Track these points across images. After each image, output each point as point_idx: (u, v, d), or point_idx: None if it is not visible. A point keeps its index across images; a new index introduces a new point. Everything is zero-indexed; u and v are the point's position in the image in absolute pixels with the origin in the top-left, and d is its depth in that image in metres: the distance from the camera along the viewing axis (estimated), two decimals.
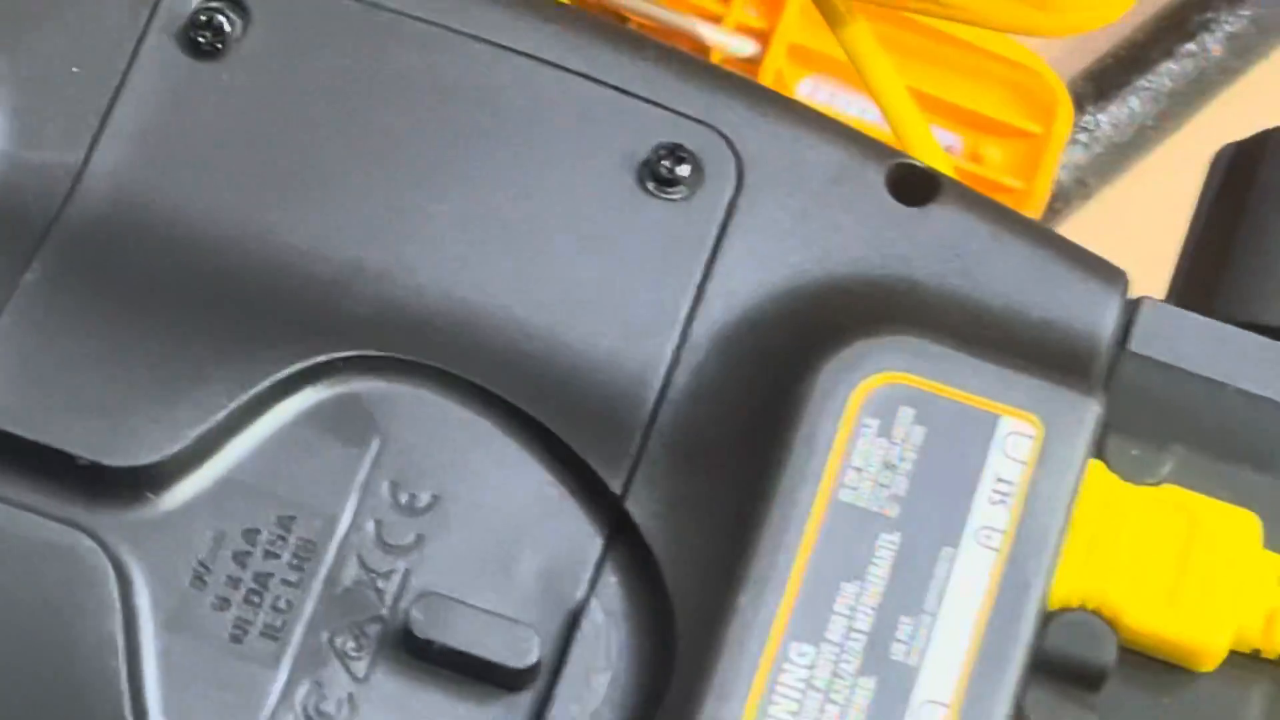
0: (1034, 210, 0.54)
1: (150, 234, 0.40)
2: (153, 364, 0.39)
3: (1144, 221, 0.62)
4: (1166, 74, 0.62)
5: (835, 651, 0.36)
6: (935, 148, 0.48)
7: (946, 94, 0.54)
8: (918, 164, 0.42)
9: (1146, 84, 0.61)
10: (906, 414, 0.38)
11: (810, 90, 0.54)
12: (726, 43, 0.53)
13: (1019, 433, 0.38)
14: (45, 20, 0.41)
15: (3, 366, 0.38)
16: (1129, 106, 0.61)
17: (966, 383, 0.38)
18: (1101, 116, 0.60)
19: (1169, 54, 0.62)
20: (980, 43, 0.54)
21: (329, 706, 0.38)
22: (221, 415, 0.38)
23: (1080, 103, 0.59)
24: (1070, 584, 0.38)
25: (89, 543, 0.37)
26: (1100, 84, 0.61)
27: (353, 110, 0.41)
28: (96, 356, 0.39)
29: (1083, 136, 0.60)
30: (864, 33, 0.48)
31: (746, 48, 0.53)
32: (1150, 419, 0.40)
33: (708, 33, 0.53)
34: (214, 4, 0.41)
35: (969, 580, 0.37)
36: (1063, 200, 0.59)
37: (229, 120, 0.41)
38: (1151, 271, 0.46)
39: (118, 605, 0.37)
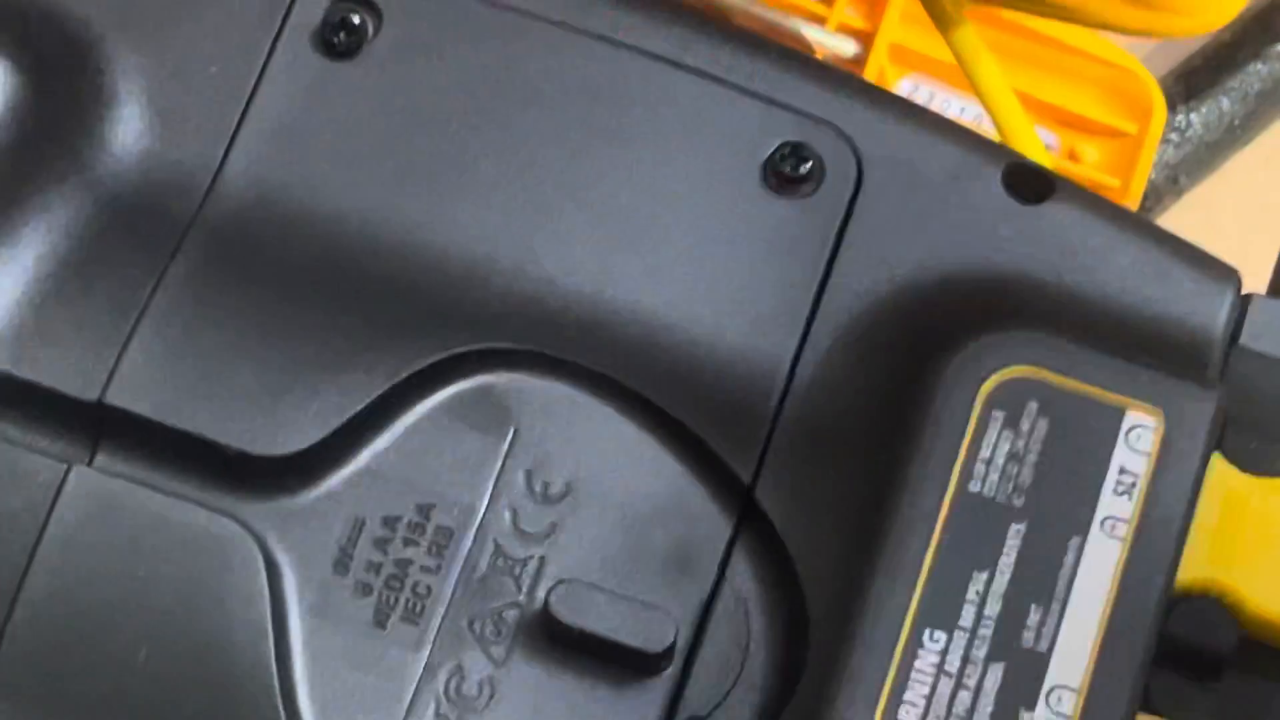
0: (1130, 207, 0.55)
1: (289, 228, 0.41)
2: (295, 356, 0.40)
3: (1233, 218, 0.63)
4: (1255, 75, 0.62)
5: (966, 638, 0.37)
6: (1041, 149, 0.48)
7: (1043, 94, 0.55)
8: (1032, 163, 0.43)
9: (1235, 84, 0.62)
10: (1032, 407, 0.39)
11: (910, 90, 0.55)
12: (829, 43, 0.54)
13: (1142, 425, 0.39)
14: (183, 21, 0.42)
15: (150, 358, 0.39)
16: (1219, 107, 0.62)
17: (1090, 376, 0.39)
18: (1193, 116, 0.61)
19: (1257, 55, 0.63)
20: (1075, 43, 0.55)
21: (469, 689, 0.39)
22: (363, 406, 0.39)
23: (1171, 103, 0.59)
24: (1193, 571, 0.39)
25: (239, 529, 0.38)
26: (1190, 84, 0.62)
27: (482, 108, 0.42)
28: (240, 348, 0.40)
29: (1174, 136, 0.61)
30: (971, 35, 0.48)
31: (849, 48, 0.54)
32: (1265, 413, 0.41)
33: (811, 33, 0.54)
34: (347, 4, 0.42)
35: (1095, 569, 0.38)
36: (1154, 198, 0.60)
37: (363, 118, 0.42)
38: (1241, 267, 0.46)
39: (266, 591, 0.38)
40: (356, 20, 0.42)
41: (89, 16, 0.42)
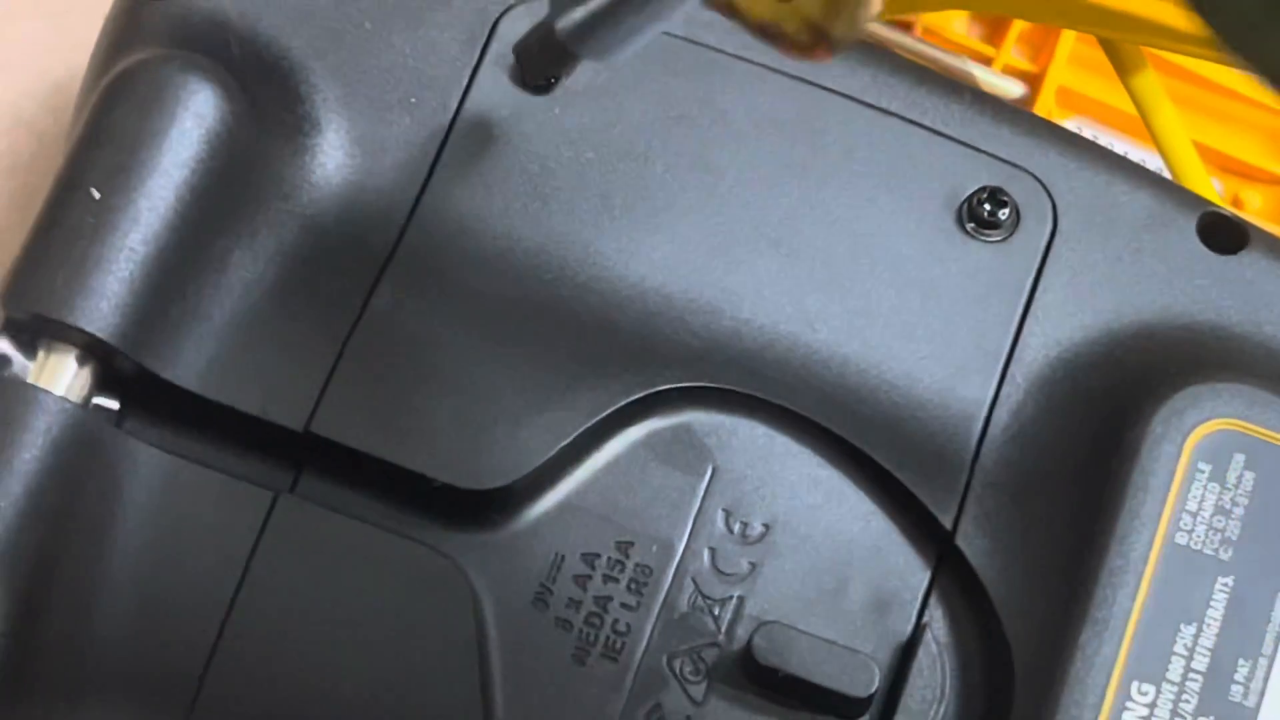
0: None
1: (488, 261, 0.41)
2: (497, 390, 0.40)
3: None
4: None
5: (1175, 691, 0.37)
6: (1216, 199, 0.48)
7: (1207, 139, 0.55)
8: (1228, 213, 0.43)
9: None
10: (1238, 460, 0.39)
11: (1074, 130, 0.55)
12: (996, 84, 0.54)
13: None
14: (383, 51, 0.42)
15: (355, 388, 0.40)
16: None
17: None
18: None
19: None
20: (1239, 88, 0.55)
21: None
22: (566, 442, 0.39)
23: None
24: None
25: (446, 562, 0.39)
26: None
27: (679, 145, 0.42)
28: (443, 380, 0.40)
29: None
30: (1153, 82, 0.48)
31: (1015, 89, 0.54)
32: None
33: (979, 73, 0.54)
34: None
35: None
36: None
37: (560, 152, 0.42)
38: None
39: (472, 623, 0.38)
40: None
41: (292, 46, 0.42)
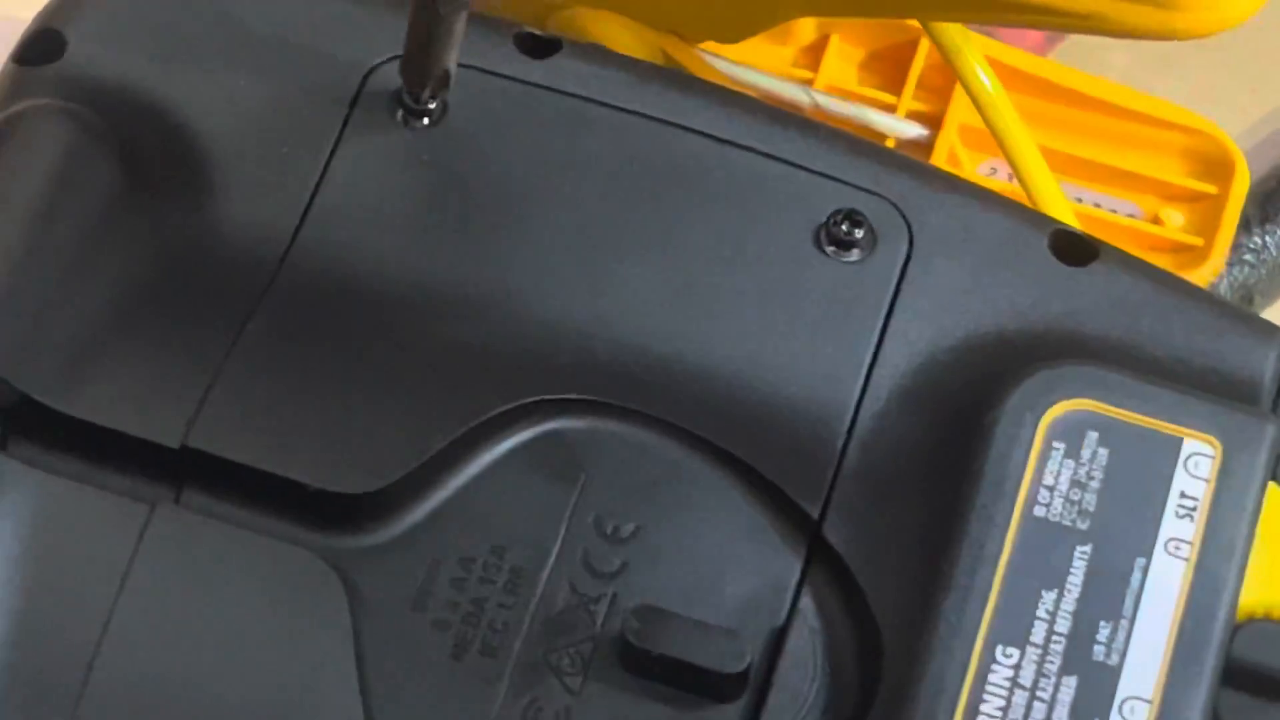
0: (1214, 266, 0.56)
1: (365, 289, 0.42)
2: (372, 403, 0.41)
3: None
4: None
5: (1038, 653, 0.38)
6: (1074, 221, 0.49)
7: (1126, 164, 0.56)
8: (1077, 231, 0.45)
9: None
10: (1092, 437, 0.40)
11: (988, 172, 0.57)
12: (897, 127, 0.55)
13: (1200, 453, 0.40)
14: (261, 91, 0.44)
15: (232, 405, 0.40)
16: None
17: (1147, 408, 0.40)
18: (1268, 238, 0.62)
19: None
20: (1154, 113, 0.56)
21: (546, 719, 0.39)
22: (439, 448, 0.40)
23: (1247, 224, 0.61)
24: (1254, 596, 0.39)
25: (322, 564, 0.39)
26: (1266, 207, 0.63)
27: (549, 184, 0.43)
28: (318, 396, 0.41)
29: (1249, 257, 0.62)
30: (1003, 100, 0.50)
31: (919, 132, 0.56)
32: None
33: (879, 119, 0.55)
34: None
35: (1162, 587, 0.39)
36: None
37: (433, 190, 0.43)
38: None
39: (350, 624, 0.39)
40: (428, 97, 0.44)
41: (168, 94, 0.43)
